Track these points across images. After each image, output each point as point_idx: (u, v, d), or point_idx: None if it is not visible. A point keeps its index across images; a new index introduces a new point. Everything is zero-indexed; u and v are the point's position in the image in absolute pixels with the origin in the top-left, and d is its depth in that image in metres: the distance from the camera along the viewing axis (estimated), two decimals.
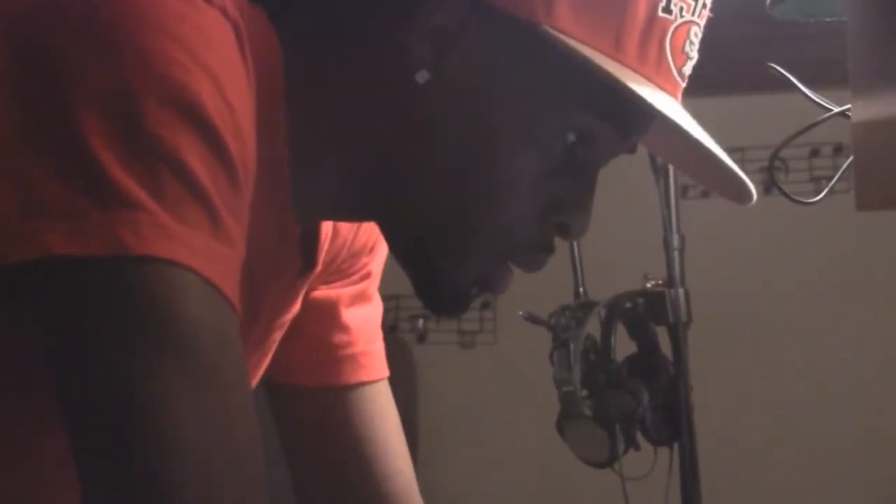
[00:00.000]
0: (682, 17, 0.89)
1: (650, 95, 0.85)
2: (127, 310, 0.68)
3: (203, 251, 0.70)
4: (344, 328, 1.15)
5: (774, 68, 1.24)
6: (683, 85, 0.92)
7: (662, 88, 0.88)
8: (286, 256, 0.95)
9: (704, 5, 0.91)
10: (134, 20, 0.72)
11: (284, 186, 0.89)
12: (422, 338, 3.46)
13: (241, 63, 0.78)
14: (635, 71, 0.86)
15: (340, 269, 1.12)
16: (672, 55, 0.89)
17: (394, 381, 1.20)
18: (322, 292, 1.13)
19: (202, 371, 0.70)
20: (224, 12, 0.77)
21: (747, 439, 3.20)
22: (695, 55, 0.92)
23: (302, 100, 0.89)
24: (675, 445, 1.58)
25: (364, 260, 1.14)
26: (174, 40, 0.72)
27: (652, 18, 0.87)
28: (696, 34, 0.91)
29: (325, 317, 1.14)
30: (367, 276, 1.16)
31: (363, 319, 1.17)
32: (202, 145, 0.71)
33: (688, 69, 0.92)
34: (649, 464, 1.56)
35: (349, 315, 1.15)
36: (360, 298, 1.16)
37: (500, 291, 0.93)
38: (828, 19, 1.20)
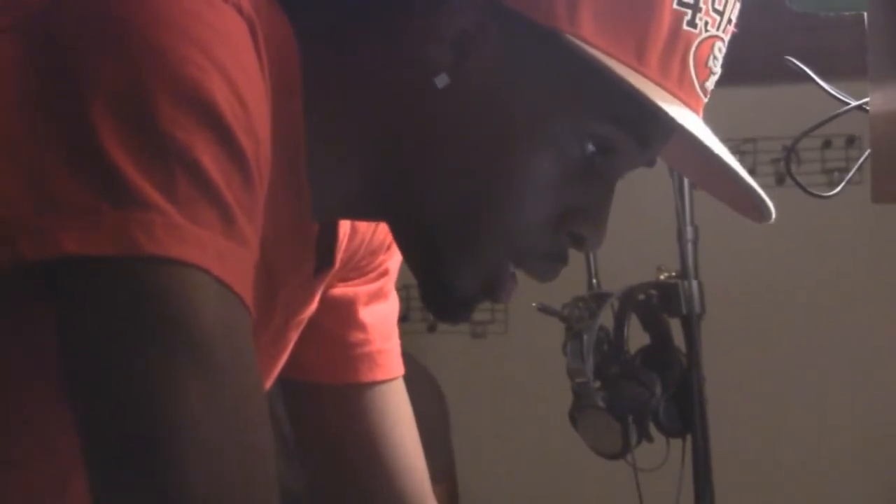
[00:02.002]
0: (706, 31, 0.88)
1: (672, 109, 0.85)
2: (139, 310, 0.69)
3: (216, 252, 0.70)
4: (361, 326, 1.15)
5: (791, 61, 1.24)
6: (705, 100, 0.91)
7: (685, 102, 0.88)
8: (303, 254, 0.95)
9: (730, 21, 0.90)
10: (148, 18, 0.71)
11: (302, 183, 0.89)
12: (432, 328, 3.46)
13: (255, 61, 0.77)
14: (657, 84, 0.86)
15: (358, 267, 1.12)
16: (695, 70, 0.88)
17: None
18: (340, 290, 1.13)
19: (214, 371, 0.70)
20: (239, 10, 0.76)
21: (760, 431, 3.20)
22: (718, 70, 0.91)
23: (319, 98, 0.89)
24: (688, 437, 1.58)
25: (381, 257, 1.14)
26: (188, 38, 0.72)
27: (676, 32, 0.86)
28: (720, 49, 0.90)
29: (342, 314, 1.14)
30: (385, 273, 1.16)
31: (380, 317, 1.16)
32: (216, 144, 0.71)
33: (710, 84, 0.91)
34: (662, 455, 1.57)
35: (366, 313, 1.15)
36: (378, 296, 1.16)
37: (503, 300, 0.93)
38: (846, 13, 1.20)
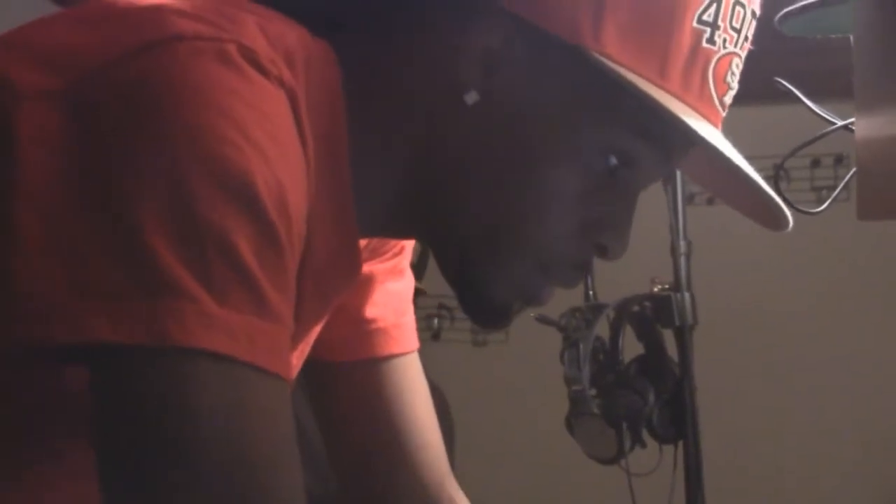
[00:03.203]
0: (725, 48, 0.87)
1: (693, 123, 0.84)
2: (161, 399, 0.67)
3: (245, 334, 0.69)
4: (376, 303, 1.14)
5: (781, 82, 1.24)
6: (724, 114, 0.90)
7: (704, 116, 0.87)
8: (353, 266, 0.95)
9: (746, 38, 0.90)
10: (186, 97, 0.70)
11: (349, 209, 0.89)
12: (436, 336, 3.47)
13: (293, 134, 0.76)
14: (679, 98, 0.85)
15: (373, 249, 1.11)
16: (714, 85, 0.87)
17: None
18: None
19: (217, 477, 0.68)
20: (280, 82, 0.75)
21: (750, 438, 3.19)
22: (735, 85, 0.91)
23: (359, 121, 0.88)
24: (680, 443, 1.58)
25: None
26: (226, 118, 0.70)
27: (696, 48, 0.86)
28: (737, 65, 0.90)
29: (359, 293, 1.13)
30: (400, 251, 1.15)
31: (395, 294, 1.15)
32: (251, 225, 0.70)
33: (728, 98, 0.90)
34: (655, 461, 1.56)
35: (382, 290, 1.14)
36: (393, 273, 1.15)
37: (542, 304, 0.93)
38: (834, 36, 1.19)
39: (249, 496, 0.69)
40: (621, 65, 0.84)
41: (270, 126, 0.73)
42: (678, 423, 1.57)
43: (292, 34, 0.80)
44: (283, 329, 0.73)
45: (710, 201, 2.92)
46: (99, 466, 0.69)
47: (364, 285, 1.13)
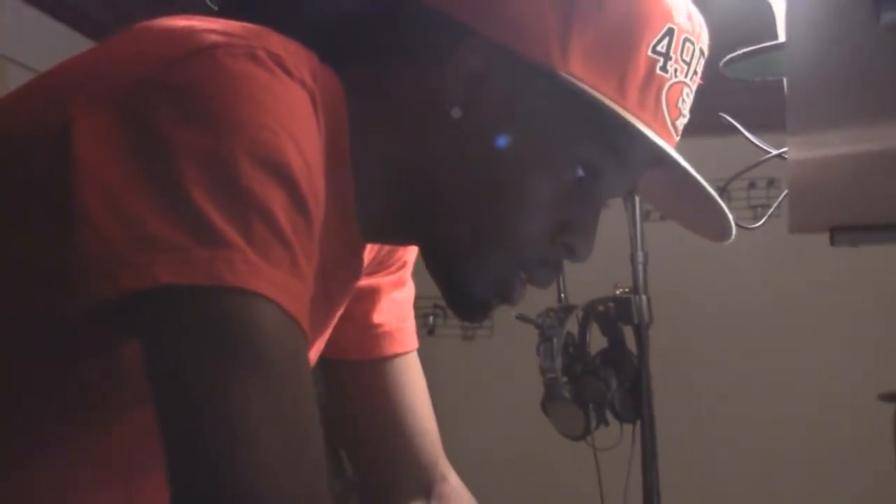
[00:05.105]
0: (676, 77, 0.86)
1: (652, 136, 0.83)
2: (220, 330, 0.66)
3: (283, 287, 0.68)
4: (382, 310, 1.13)
5: (724, 117, 1.24)
6: (677, 138, 0.89)
7: (660, 136, 0.85)
8: (356, 267, 0.95)
9: (696, 72, 0.89)
10: (228, 90, 0.70)
11: (351, 214, 0.88)
12: (431, 331, 3.47)
13: (315, 127, 0.75)
14: (636, 116, 0.84)
15: (381, 262, 1.10)
16: (667, 108, 0.86)
17: None
18: (366, 282, 1.10)
19: (277, 382, 0.67)
20: (303, 83, 0.74)
21: (697, 418, 3.20)
22: (686, 113, 0.89)
23: (358, 135, 0.87)
24: (638, 423, 1.58)
25: (399, 252, 1.12)
26: (263, 108, 0.70)
27: (651, 74, 0.85)
28: (687, 94, 0.88)
29: (368, 302, 1.12)
30: (403, 265, 1.14)
31: (398, 302, 1.14)
32: (286, 197, 0.69)
33: (680, 124, 0.89)
34: (616, 437, 1.56)
35: (388, 299, 1.13)
36: (397, 284, 1.14)
37: (516, 302, 0.91)
38: (770, 78, 1.20)
39: (287, 403, 0.67)
40: (585, 84, 0.82)
41: (299, 118, 0.73)
42: (636, 405, 1.56)
43: (304, 54, 0.80)
44: (308, 290, 0.71)
45: (663, 218, 2.92)
46: (161, 392, 0.67)
47: (372, 294, 1.12)
